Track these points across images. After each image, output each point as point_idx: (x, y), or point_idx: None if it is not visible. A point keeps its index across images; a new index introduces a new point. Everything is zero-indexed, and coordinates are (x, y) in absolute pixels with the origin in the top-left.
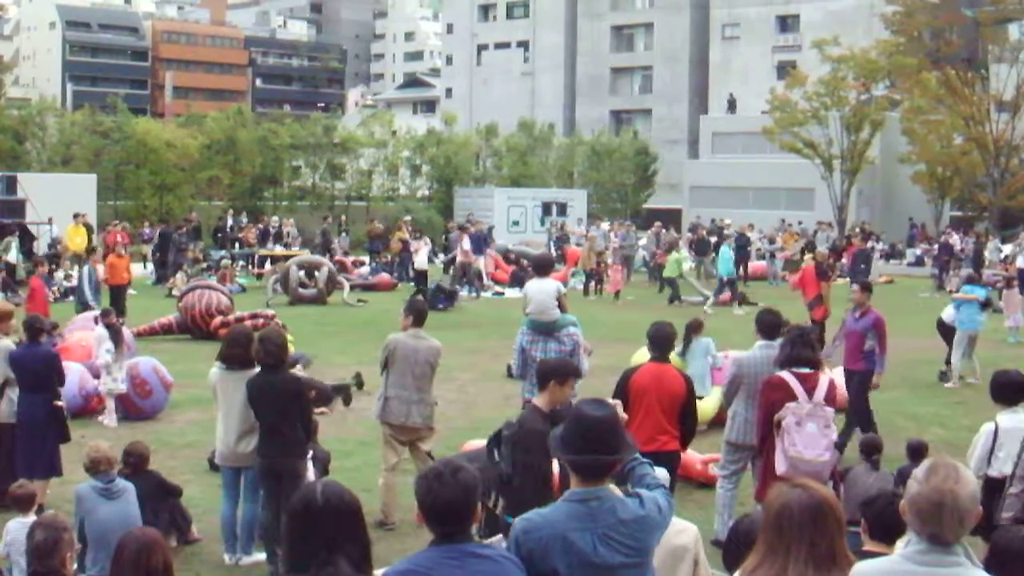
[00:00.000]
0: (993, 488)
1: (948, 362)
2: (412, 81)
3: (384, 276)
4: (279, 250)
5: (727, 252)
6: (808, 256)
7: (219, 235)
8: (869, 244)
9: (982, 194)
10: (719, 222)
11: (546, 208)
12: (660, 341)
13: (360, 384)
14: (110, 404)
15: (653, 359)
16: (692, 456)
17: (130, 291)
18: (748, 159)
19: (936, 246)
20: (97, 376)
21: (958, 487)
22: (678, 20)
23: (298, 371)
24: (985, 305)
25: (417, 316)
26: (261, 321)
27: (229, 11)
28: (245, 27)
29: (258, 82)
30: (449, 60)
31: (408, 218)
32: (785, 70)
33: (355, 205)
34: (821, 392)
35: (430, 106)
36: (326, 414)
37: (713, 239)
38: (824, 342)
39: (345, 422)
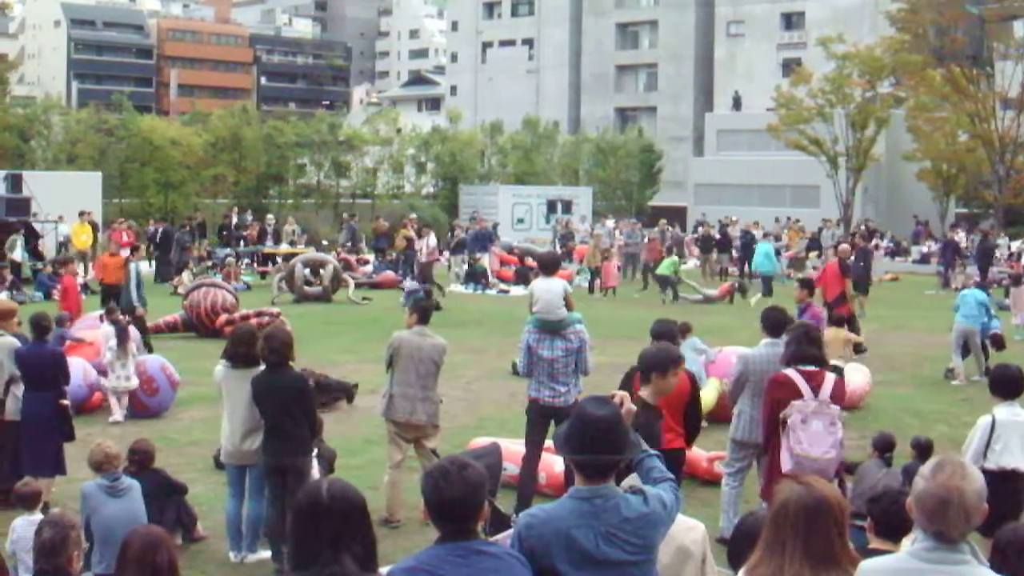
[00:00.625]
0: (988, 482)
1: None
2: (417, 79)
3: (388, 274)
4: (284, 248)
5: (768, 248)
6: (813, 254)
7: (224, 233)
8: (873, 242)
9: (987, 191)
10: (726, 220)
11: (551, 206)
12: (664, 338)
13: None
14: (113, 402)
15: None
16: (697, 454)
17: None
18: (753, 156)
19: (940, 243)
20: (105, 374)
21: (965, 484)
22: (683, 17)
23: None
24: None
25: (422, 314)
26: (266, 319)
27: (234, 9)
28: (250, 25)
29: (263, 80)
30: (454, 58)
31: (413, 216)
32: (790, 67)
33: (360, 203)
34: (827, 390)
35: (435, 104)
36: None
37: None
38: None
39: (350, 420)
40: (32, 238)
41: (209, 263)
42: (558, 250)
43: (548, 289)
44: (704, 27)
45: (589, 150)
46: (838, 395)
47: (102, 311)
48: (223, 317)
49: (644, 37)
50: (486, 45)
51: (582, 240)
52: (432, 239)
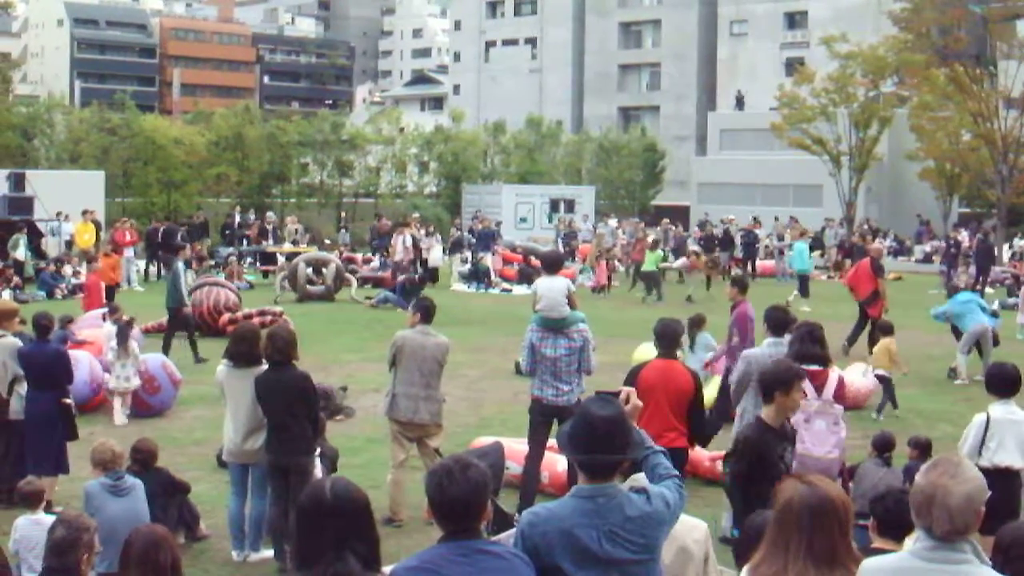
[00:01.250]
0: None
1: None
2: (420, 78)
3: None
4: (287, 247)
5: (803, 247)
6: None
7: (227, 232)
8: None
9: (990, 191)
10: (725, 220)
11: (554, 205)
12: (667, 337)
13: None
14: (116, 404)
15: (660, 355)
16: (700, 453)
17: (137, 287)
18: (756, 156)
19: (943, 243)
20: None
21: (952, 482)
22: (686, 17)
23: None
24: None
25: (425, 313)
26: (269, 318)
27: (237, 8)
28: (253, 24)
29: (266, 79)
30: (457, 57)
31: (416, 215)
32: (793, 67)
33: (363, 202)
34: (830, 389)
35: (438, 103)
36: (342, 421)
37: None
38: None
39: (353, 419)
40: (35, 237)
41: (212, 262)
42: (561, 249)
43: (552, 287)
44: (707, 26)
45: (592, 149)
46: (840, 395)
47: (103, 310)
48: (226, 316)
49: (647, 36)
50: (489, 44)
51: (584, 240)
52: (408, 238)
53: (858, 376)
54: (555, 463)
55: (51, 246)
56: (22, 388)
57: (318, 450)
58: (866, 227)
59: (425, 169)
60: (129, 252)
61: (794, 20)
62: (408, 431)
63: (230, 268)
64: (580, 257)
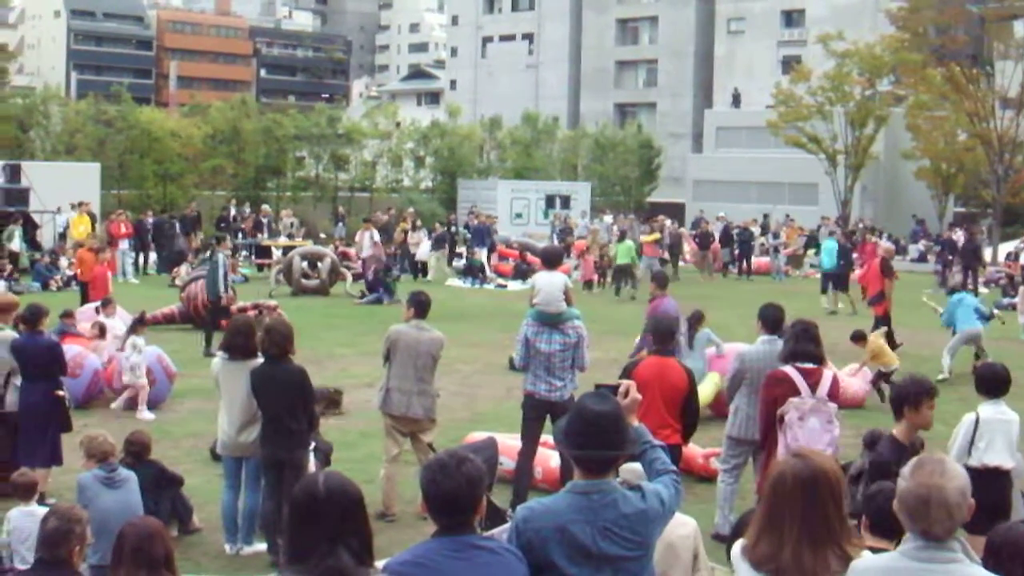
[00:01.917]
0: (972, 479)
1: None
2: (416, 73)
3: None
4: (282, 241)
5: (833, 245)
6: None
7: (222, 225)
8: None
9: (986, 191)
10: (719, 217)
11: (549, 201)
12: (662, 334)
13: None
14: (141, 397)
15: (655, 352)
16: (693, 450)
17: (132, 280)
18: (752, 153)
19: (933, 243)
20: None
21: (944, 481)
22: (683, 14)
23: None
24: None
25: (419, 307)
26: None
27: (234, 1)
28: (250, 17)
29: (262, 72)
30: (454, 52)
31: (411, 210)
32: (790, 65)
33: (358, 196)
34: (824, 387)
35: (434, 98)
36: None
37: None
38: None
39: (347, 413)
40: (30, 228)
41: (206, 255)
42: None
43: (550, 282)
44: (704, 23)
45: (588, 145)
46: (835, 393)
47: (97, 304)
48: None
49: (644, 33)
50: (486, 40)
51: (580, 236)
52: (374, 233)
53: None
54: (548, 458)
55: (46, 239)
56: (18, 380)
57: (312, 444)
58: (862, 226)
59: (421, 164)
60: (124, 244)
61: (791, 18)
62: (401, 426)
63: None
64: (575, 253)
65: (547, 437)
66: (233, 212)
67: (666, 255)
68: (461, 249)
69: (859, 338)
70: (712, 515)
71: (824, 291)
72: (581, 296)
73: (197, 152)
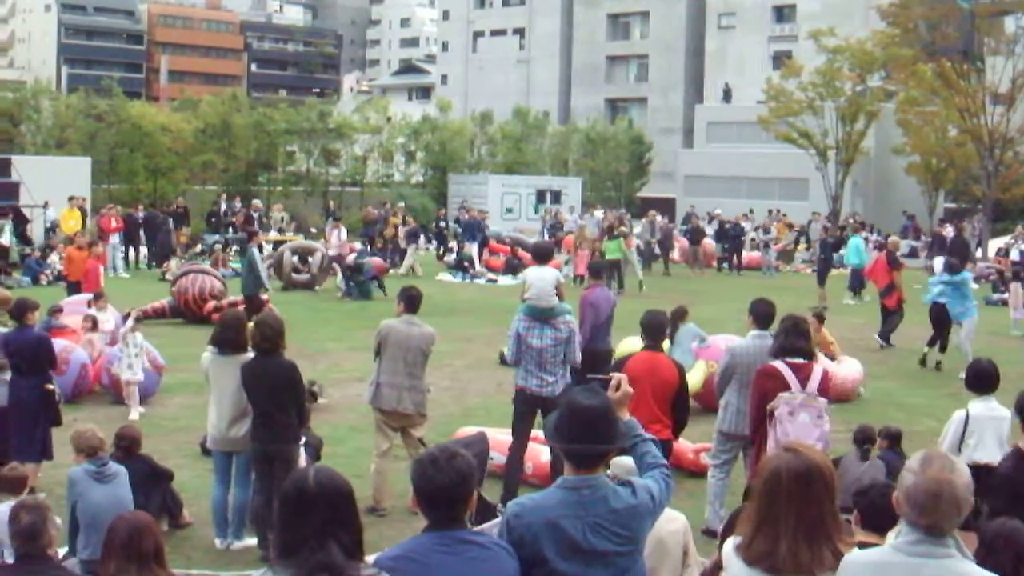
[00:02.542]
0: None
1: (931, 344)
2: (407, 67)
3: (376, 260)
4: (273, 235)
5: (858, 242)
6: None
7: (213, 220)
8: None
9: (976, 186)
10: (712, 213)
11: (540, 196)
12: (653, 329)
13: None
14: (132, 392)
15: (646, 347)
16: (684, 445)
17: (123, 274)
18: (743, 149)
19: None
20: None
21: (954, 477)
22: (674, 9)
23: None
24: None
25: (409, 302)
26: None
27: None
28: (241, 11)
29: (253, 67)
30: (445, 47)
31: (401, 204)
32: (781, 60)
33: (349, 191)
34: (814, 382)
35: (425, 93)
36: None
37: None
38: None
39: (337, 408)
40: (21, 223)
41: (197, 249)
42: (547, 239)
43: (541, 277)
44: (695, 19)
45: (579, 140)
46: (825, 388)
47: (90, 297)
48: (211, 303)
49: (635, 28)
50: (477, 35)
51: (570, 231)
52: (343, 231)
53: (851, 369)
54: (539, 453)
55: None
56: (5, 375)
57: (303, 439)
58: (852, 220)
59: (412, 158)
60: (115, 239)
61: (782, 13)
62: (392, 420)
63: (215, 256)
64: (565, 248)
65: (538, 432)
66: (224, 207)
67: (657, 250)
68: (452, 244)
69: (818, 318)
70: (702, 510)
71: (851, 288)
72: (573, 290)
73: (188, 146)
